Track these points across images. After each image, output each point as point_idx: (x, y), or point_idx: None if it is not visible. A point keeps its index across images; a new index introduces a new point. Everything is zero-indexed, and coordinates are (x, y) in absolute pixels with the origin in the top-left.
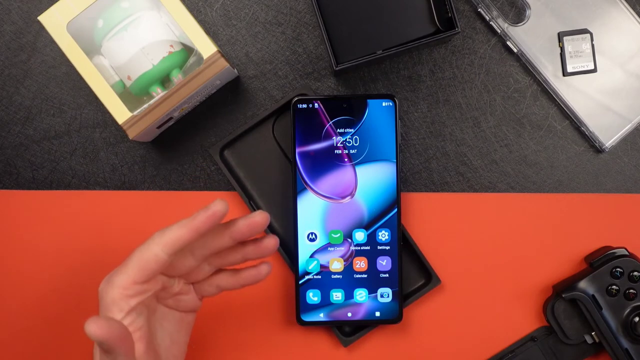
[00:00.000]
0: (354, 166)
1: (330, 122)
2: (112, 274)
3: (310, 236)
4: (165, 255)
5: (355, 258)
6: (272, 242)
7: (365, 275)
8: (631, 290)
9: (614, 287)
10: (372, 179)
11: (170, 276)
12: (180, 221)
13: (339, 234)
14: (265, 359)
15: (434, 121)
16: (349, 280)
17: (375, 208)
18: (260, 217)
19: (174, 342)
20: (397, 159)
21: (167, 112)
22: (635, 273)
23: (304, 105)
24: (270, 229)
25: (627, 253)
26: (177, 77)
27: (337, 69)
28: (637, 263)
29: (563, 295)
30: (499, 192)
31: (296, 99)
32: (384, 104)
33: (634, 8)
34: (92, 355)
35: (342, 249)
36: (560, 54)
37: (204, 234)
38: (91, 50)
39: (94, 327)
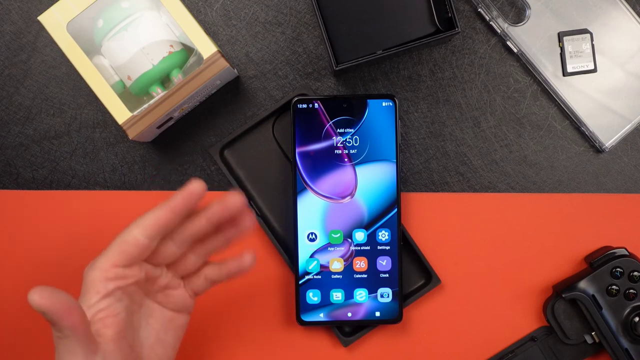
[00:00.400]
0: (354, 166)
1: (330, 122)
2: (96, 257)
3: (310, 236)
4: (144, 239)
5: (355, 258)
6: (248, 219)
7: (365, 275)
8: (631, 290)
9: (614, 287)
10: (372, 179)
11: (156, 264)
12: (159, 204)
13: (339, 234)
14: (265, 359)
15: (434, 121)
16: (349, 280)
17: (375, 208)
18: (234, 198)
19: (160, 341)
20: (397, 159)
21: (167, 112)
22: (635, 273)
23: (304, 105)
24: (270, 229)
25: (627, 253)
26: (177, 77)
27: (337, 69)
28: (637, 263)
29: (563, 295)
30: (499, 192)
31: (296, 99)
32: (384, 104)
33: (634, 8)
34: None
35: (342, 249)
36: (560, 54)
37: (182, 216)
38: (91, 50)
39: (36, 296)
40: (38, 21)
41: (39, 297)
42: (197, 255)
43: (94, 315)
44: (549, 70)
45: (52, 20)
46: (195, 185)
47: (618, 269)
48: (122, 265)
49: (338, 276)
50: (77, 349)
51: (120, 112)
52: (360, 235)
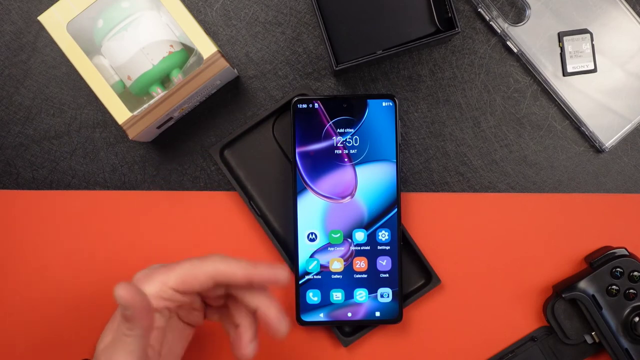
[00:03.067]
0: (354, 166)
1: (330, 122)
2: (157, 269)
3: (310, 236)
4: (211, 283)
5: (355, 258)
6: (284, 275)
7: (365, 275)
8: (631, 290)
9: (614, 287)
10: (372, 179)
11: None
12: (242, 260)
13: (339, 234)
14: (265, 359)
15: (434, 121)
16: (349, 280)
17: (375, 208)
18: (283, 275)
19: (171, 351)
20: (397, 159)
21: (167, 112)
22: (635, 273)
23: (304, 105)
24: (270, 229)
25: (627, 253)
26: (177, 77)
27: (337, 69)
28: (637, 263)
29: (563, 295)
30: (499, 192)
31: (296, 99)
32: (384, 104)
33: (634, 8)
34: (92, 352)
35: (342, 249)
36: (560, 54)
37: (251, 287)
38: (91, 50)
39: (123, 291)
40: (38, 21)
41: (125, 292)
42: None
43: None
44: (549, 70)
45: (52, 20)
46: (283, 276)
47: (618, 269)
48: (179, 291)
49: (338, 276)
50: (136, 351)
51: (120, 112)
52: (360, 235)
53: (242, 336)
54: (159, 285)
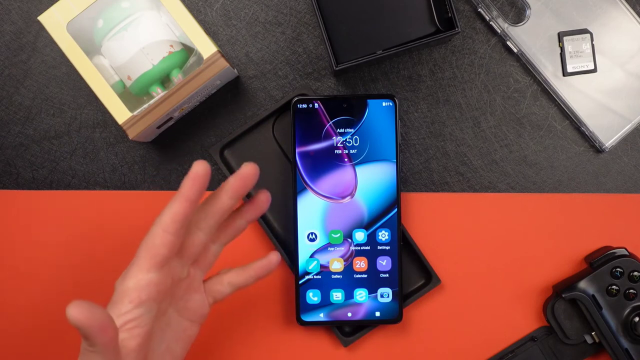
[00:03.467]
0: (354, 166)
1: (330, 122)
2: (127, 268)
3: (310, 236)
4: (170, 235)
5: (355, 258)
6: (263, 195)
7: (365, 275)
8: (631, 290)
9: (614, 287)
10: (372, 179)
11: (186, 259)
12: (172, 198)
13: (339, 234)
14: (265, 359)
15: (434, 121)
16: (349, 280)
17: (375, 208)
18: (248, 168)
19: (169, 350)
20: (397, 159)
21: (167, 112)
22: (635, 273)
23: (304, 105)
24: (270, 229)
25: (627, 253)
26: (177, 77)
27: (337, 69)
28: (637, 263)
29: (563, 295)
30: (499, 192)
31: (296, 99)
32: (384, 104)
33: (634, 8)
34: None
35: (342, 249)
36: (560, 54)
37: (197, 201)
38: (91, 50)
39: (74, 311)
40: (38, 21)
41: (77, 312)
42: (218, 243)
43: (123, 324)
44: (549, 70)
45: (52, 20)
46: (198, 166)
47: (618, 269)
48: (154, 269)
49: (338, 276)
50: None
51: (120, 112)
52: (360, 235)
53: (259, 261)
54: (132, 277)
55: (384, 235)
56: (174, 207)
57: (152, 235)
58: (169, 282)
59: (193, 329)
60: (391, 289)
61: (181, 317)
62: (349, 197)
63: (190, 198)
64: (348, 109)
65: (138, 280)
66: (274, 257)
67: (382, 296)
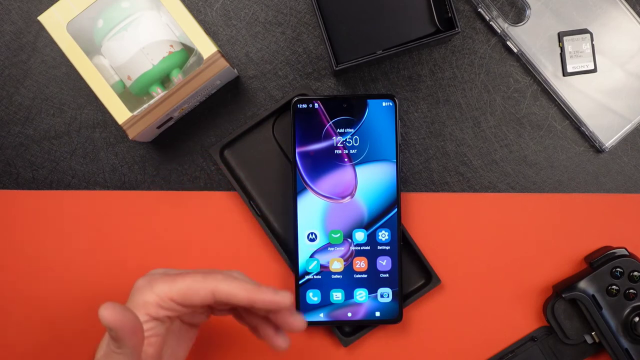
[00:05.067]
0: (354, 166)
1: (330, 122)
2: (158, 278)
3: (310, 236)
4: (212, 300)
5: (355, 258)
6: (297, 321)
7: (365, 275)
8: (631, 290)
9: (614, 287)
10: (372, 179)
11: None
12: (247, 283)
13: (339, 234)
14: (265, 359)
15: (434, 121)
16: (349, 280)
17: (375, 208)
18: (285, 299)
19: (173, 354)
20: (397, 159)
21: (167, 112)
22: (635, 273)
23: (304, 105)
24: (270, 229)
25: (627, 253)
26: (177, 77)
27: (337, 69)
28: (637, 263)
29: (563, 295)
30: (499, 192)
31: (296, 99)
32: (384, 104)
33: (634, 8)
34: (92, 355)
35: (342, 249)
36: (560, 54)
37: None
38: (91, 50)
39: (107, 313)
40: (38, 21)
41: (109, 314)
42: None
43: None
44: (549, 70)
45: (52, 20)
46: (286, 300)
47: (618, 269)
48: (179, 304)
49: (338, 276)
50: None
51: (120, 112)
52: (360, 235)
53: (266, 332)
54: (157, 295)
55: (384, 235)
56: (239, 295)
57: (203, 285)
58: (187, 312)
59: (194, 331)
60: (391, 289)
61: (183, 322)
62: (349, 197)
63: (254, 305)
64: (348, 109)
65: (160, 301)
66: (283, 344)
67: (382, 296)
